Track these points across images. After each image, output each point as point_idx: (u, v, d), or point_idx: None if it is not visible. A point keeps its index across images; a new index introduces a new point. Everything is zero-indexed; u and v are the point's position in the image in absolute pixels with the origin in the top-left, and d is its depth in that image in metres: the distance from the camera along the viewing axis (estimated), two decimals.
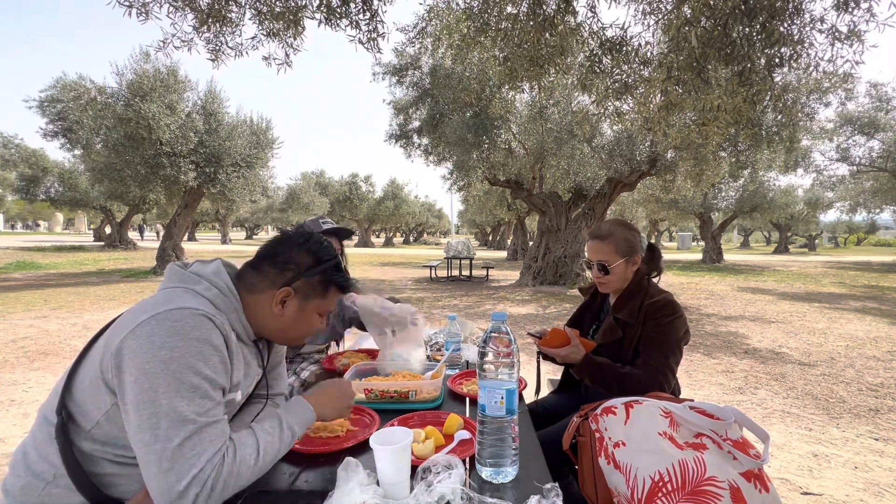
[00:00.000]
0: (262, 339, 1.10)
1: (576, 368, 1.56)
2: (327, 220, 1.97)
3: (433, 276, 12.93)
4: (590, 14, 3.51)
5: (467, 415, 1.28)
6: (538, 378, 1.87)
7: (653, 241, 36.17)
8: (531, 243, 15.38)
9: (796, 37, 2.95)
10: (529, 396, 1.76)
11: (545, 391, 1.98)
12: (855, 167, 16.25)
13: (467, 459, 1.03)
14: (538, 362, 1.85)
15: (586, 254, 1.67)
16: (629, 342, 1.54)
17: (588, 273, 1.70)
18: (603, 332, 1.62)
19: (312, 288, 1.04)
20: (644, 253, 1.66)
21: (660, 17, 3.24)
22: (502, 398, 0.97)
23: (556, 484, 0.85)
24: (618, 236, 1.60)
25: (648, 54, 3.53)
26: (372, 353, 1.90)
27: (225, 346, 0.91)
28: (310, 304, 1.04)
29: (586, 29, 3.55)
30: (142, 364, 0.81)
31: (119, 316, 0.95)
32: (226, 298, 0.97)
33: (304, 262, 1.03)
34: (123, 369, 0.83)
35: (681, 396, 1.39)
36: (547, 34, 3.35)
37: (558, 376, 1.90)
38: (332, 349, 2.05)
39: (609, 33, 3.55)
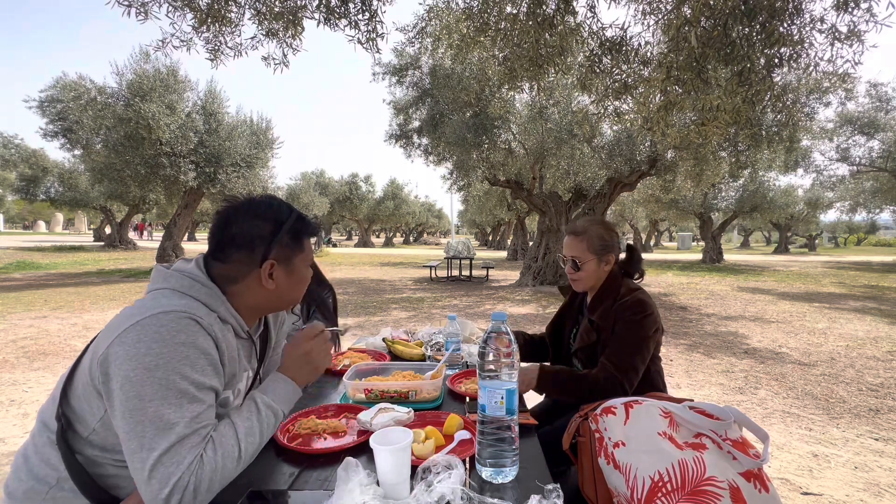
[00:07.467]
0: (256, 334, 1.09)
1: (538, 387, 1.47)
2: None
3: (433, 276, 12.93)
4: (589, 14, 3.51)
5: (467, 415, 1.28)
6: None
7: (652, 241, 36.21)
8: (531, 243, 15.37)
9: (796, 37, 2.95)
10: (530, 397, 1.75)
11: None
12: (855, 167, 16.27)
13: (467, 459, 1.03)
14: None
15: (563, 249, 1.65)
16: (602, 345, 1.52)
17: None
18: (580, 335, 1.60)
19: (288, 248, 1.01)
20: (619, 254, 1.64)
21: (659, 17, 3.24)
22: (502, 398, 0.97)
23: (557, 484, 0.85)
24: (592, 234, 1.59)
25: (648, 54, 3.53)
26: (372, 354, 1.90)
27: (215, 347, 0.89)
28: (294, 263, 1.03)
29: (586, 29, 3.55)
30: (127, 371, 0.81)
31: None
32: (211, 292, 0.95)
33: (267, 230, 0.98)
34: (110, 376, 0.82)
35: (681, 396, 1.39)
36: (546, 34, 3.35)
37: None
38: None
39: (609, 33, 3.55)
